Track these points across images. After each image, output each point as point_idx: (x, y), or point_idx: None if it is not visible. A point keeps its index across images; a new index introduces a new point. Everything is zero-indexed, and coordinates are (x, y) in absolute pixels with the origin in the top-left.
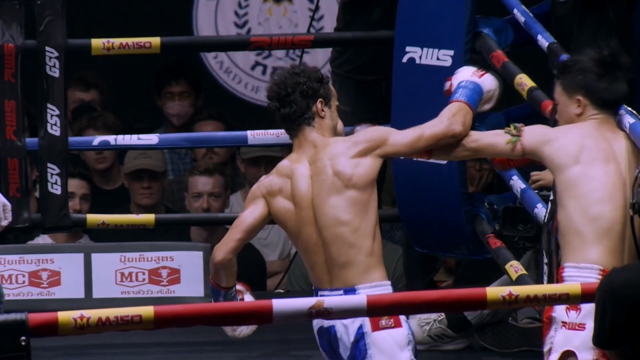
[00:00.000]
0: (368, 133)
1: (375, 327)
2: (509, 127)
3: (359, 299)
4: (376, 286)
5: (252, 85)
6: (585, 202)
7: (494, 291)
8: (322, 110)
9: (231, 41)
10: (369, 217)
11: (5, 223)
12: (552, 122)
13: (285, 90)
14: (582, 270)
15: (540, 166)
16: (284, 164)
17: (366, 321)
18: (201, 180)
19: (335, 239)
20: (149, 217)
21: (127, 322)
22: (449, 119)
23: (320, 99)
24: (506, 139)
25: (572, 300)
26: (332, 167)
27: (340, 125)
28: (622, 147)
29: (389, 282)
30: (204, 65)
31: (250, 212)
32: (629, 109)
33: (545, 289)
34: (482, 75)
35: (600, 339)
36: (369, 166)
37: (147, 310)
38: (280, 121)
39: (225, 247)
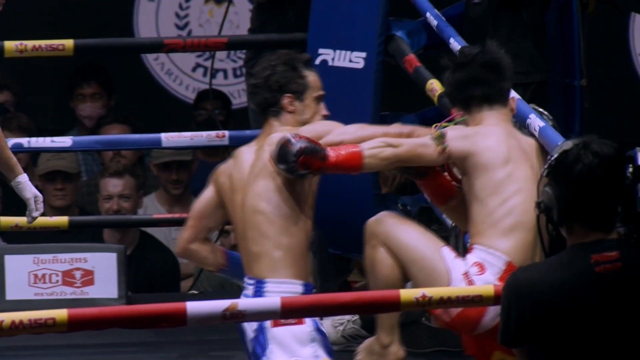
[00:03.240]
0: (313, 126)
1: (276, 323)
2: (436, 135)
3: (273, 301)
4: (283, 283)
5: (193, 87)
6: (505, 197)
7: (408, 293)
8: (291, 105)
9: (145, 43)
10: (288, 206)
11: (37, 214)
12: None
13: (255, 80)
14: (490, 255)
15: None
16: (239, 148)
17: None
18: (111, 182)
19: (252, 227)
20: (62, 220)
21: (40, 325)
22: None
23: (288, 94)
24: (436, 149)
25: (485, 302)
26: (263, 153)
27: (318, 119)
28: (530, 143)
29: (300, 282)
30: (144, 66)
31: (200, 197)
32: (539, 109)
33: (459, 291)
34: None
35: (505, 338)
36: None
37: (61, 314)
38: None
39: (181, 240)
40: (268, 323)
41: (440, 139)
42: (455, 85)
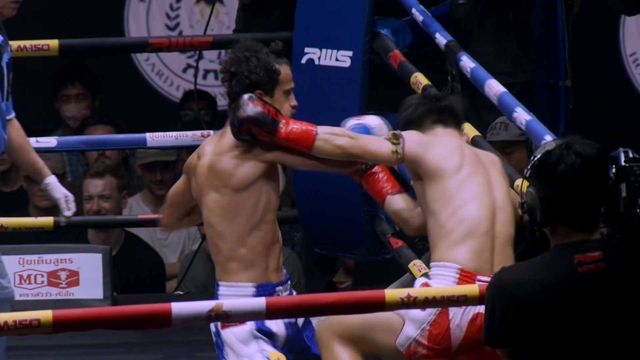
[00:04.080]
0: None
1: (223, 325)
2: (390, 135)
3: (258, 301)
4: (233, 286)
5: (184, 88)
6: (456, 207)
7: (393, 293)
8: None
9: (130, 43)
10: (237, 223)
11: (69, 214)
12: None
13: (224, 73)
14: (441, 268)
15: None
16: (206, 141)
17: None
18: (92, 183)
19: (208, 237)
20: (47, 220)
21: (25, 326)
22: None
23: (258, 91)
24: (390, 147)
25: (470, 302)
26: (211, 163)
27: (286, 110)
28: (486, 154)
29: (252, 284)
30: (135, 66)
31: (174, 185)
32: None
33: (444, 290)
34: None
35: (489, 338)
36: (249, 170)
37: (46, 315)
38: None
39: (163, 222)
40: (219, 326)
41: (395, 138)
42: (411, 110)
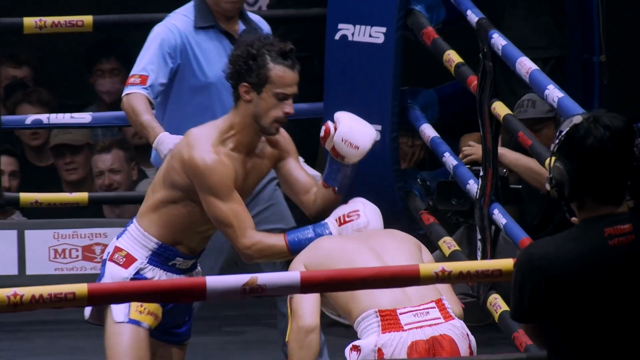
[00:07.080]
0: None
1: (110, 257)
2: None
3: (293, 275)
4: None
5: None
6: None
7: (427, 267)
8: (247, 94)
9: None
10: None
11: None
12: (478, 98)
13: (229, 57)
14: (362, 322)
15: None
16: None
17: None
18: (100, 158)
19: None
20: (82, 196)
21: (60, 299)
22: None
23: (245, 84)
24: None
25: (504, 276)
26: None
27: (266, 119)
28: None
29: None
30: None
31: None
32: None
33: (478, 265)
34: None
35: (518, 313)
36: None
37: (81, 288)
38: None
39: None
40: (107, 255)
41: None
42: None
